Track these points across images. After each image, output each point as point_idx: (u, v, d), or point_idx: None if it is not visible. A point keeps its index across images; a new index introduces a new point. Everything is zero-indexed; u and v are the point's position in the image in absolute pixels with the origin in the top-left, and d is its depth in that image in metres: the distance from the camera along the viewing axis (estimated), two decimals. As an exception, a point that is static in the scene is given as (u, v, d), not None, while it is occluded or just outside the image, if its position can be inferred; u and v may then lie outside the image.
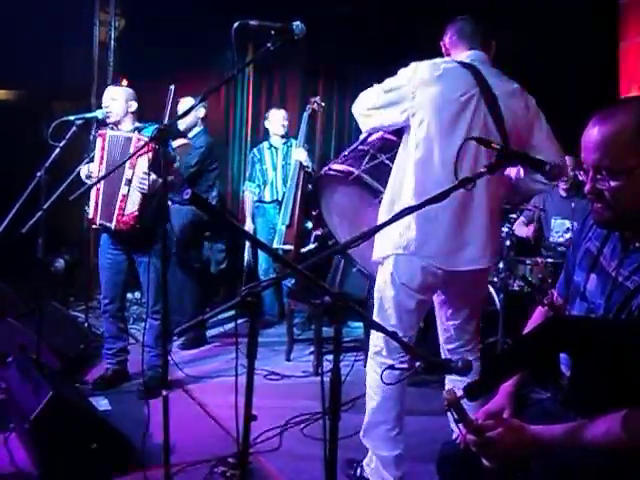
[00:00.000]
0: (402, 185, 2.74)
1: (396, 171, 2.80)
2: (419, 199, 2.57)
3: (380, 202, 2.82)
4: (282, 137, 5.90)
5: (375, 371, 2.88)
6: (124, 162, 3.62)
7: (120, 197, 3.87)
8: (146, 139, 3.74)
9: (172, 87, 4.88)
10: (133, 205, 3.87)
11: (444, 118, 2.65)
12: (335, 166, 3.04)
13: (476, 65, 2.74)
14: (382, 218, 2.75)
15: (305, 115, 5.62)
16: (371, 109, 2.82)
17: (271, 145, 5.92)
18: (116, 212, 3.88)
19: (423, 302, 2.84)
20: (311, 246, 4.86)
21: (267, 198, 5.88)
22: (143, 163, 3.81)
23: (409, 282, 2.75)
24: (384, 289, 2.83)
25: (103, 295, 4.22)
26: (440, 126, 2.66)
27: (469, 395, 1.67)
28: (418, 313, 2.85)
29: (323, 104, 5.71)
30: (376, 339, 2.89)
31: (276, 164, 5.85)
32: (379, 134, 2.98)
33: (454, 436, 2.36)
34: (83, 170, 4.00)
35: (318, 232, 4.43)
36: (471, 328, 2.98)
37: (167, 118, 5.01)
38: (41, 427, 2.83)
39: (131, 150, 3.80)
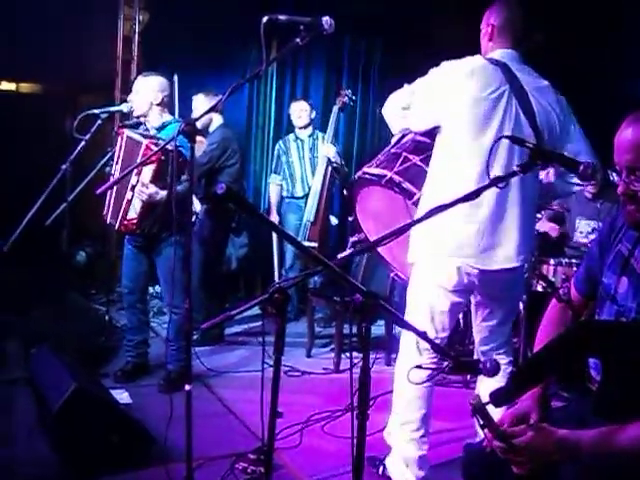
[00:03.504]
0: (438, 185, 2.72)
1: (432, 172, 2.78)
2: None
3: (415, 204, 2.81)
4: (304, 128, 5.77)
5: (403, 370, 2.87)
6: (130, 170, 3.55)
7: (125, 201, 3.84)
8: (155, 148, 3.67)
9: (175, 78, 4.87)
10: (134, 212, 3.84)
11: (476, 116, 2.63)
12: (369, 170, 3.02)
13: (506, 62, 2.71)
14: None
15: (335, 109, 5.48)
16: (402, 110, 2.82)
17: (297, 137, 5.82)
18: (120, 215, 3.87)
19: (458, 304, 2.82)
20: (347, 252, 4.84)
21: (299, 193, 5.77)
22: (148, 172, 3.77)
23: (445, 283, 2.74)
24: (417, 290, 2.82)
25: (123, 285, 4.24)
26: (472, 124, 2.64)
27: (495, 401, 1.65)
28: (451, 315, 2.82)
29: (354, 97, 5.56)
30: (406, 339, 2.87)
31: (303, 157, 5.75)
32: (411, 136, 2.96)
33: (477, 439, 2.34)
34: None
35: (355, 238, 4.42)
36: (506, 330, 2.96)
37: (177, 109, 5.02)
38: (64, 419, 2.85)
39: (139, 156, 3.72)
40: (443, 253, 2.71)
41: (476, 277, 2.73)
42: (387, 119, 2.90)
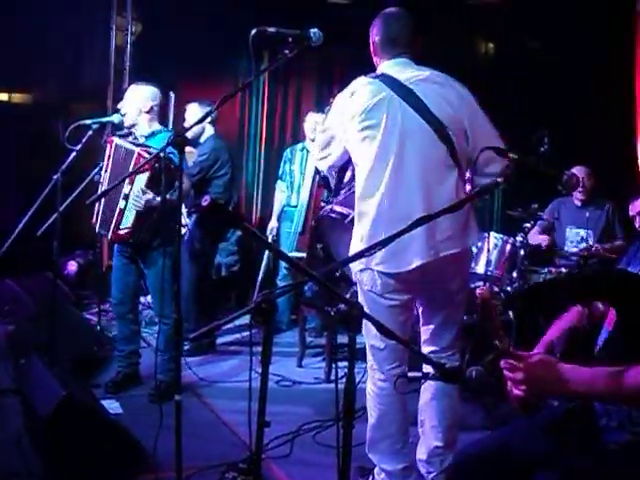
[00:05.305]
0: (357, 203, 2.79)
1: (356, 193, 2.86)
2: (364, 211, 2.73)
3: (351, 222, 2.86)
4: (312, 141, 5.74)
5: (370, 387, 2.86)
6: (123, 179, 3.52)
7: (117, 211, 3.83)
8: (147, 155, 3.70)
9: (172, 94, 4.89)
10: (128, 221, 3.83)
11: (359, 131, 2.70)
12: (326, 208, 3.18)
13: (388, 72, 2.76)
14: (357, 234, 2.79)
15: None
16: (320, 152, 2.96)
17: (304, 147, 5.76)
18: (113, 225, 3.87)
19: (395, 307, 2.77)
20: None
21: (294, 202, 5.72)
22: (141, 179, 3.76)
23: (373, 287, 2.75)
24: (361, 301, 2.80)
25: (113, 296, 4.23)
26: (360, 140, 2.72)
27: (507, 302, 1.65)
28: (393, 320, 2.73)
29: None
30: (367, 353, 2.86)
31: (304, 167, 5.68)
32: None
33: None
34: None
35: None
36: (448, 335, 2.89)
37: (171, 124, 5.01)
38: (52, 428, 2.84)
39: (131, 165, 3.73)
40: (363, 264, 2.72)
41: (394, 280, 2.71)
42: (316, 162, 3.06)
